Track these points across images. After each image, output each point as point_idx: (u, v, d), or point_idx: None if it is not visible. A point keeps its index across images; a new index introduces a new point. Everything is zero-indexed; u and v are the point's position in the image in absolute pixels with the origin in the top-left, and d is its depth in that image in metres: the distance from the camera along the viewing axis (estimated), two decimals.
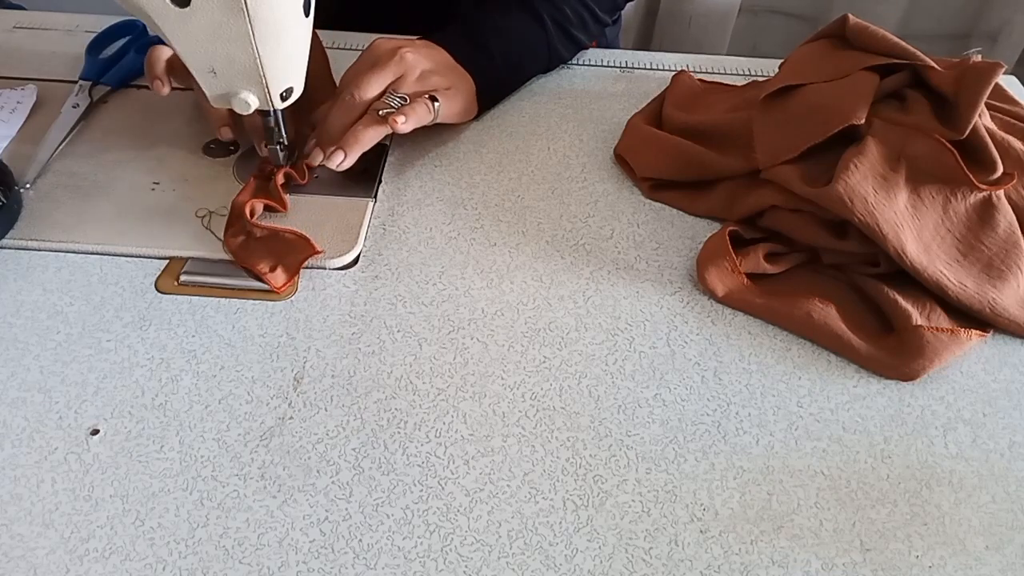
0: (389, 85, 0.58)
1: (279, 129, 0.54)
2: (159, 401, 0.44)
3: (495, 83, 0.65)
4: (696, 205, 0.57)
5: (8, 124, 0.61)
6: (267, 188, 0.55)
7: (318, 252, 0.50)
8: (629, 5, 0.78)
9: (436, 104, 0.58)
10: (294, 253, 0.51)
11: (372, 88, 0.57)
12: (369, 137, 0.56)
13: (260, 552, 0.38)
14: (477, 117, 0.65)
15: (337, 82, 0.61)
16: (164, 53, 0.58)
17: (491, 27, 0.65)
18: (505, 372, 0.46)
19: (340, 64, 0.62)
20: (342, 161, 0.55)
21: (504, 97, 0.67)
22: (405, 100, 0.57)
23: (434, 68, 0.60)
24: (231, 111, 0.56)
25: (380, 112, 0.56)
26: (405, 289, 0.51)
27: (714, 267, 0.50)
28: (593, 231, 0.56)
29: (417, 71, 0.59)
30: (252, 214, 0.52)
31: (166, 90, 0.57)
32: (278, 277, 0.50)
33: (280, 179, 0.54)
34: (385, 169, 0.60)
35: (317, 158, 0.56)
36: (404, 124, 0.55)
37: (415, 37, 0.63)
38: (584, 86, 0.70)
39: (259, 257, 0.50)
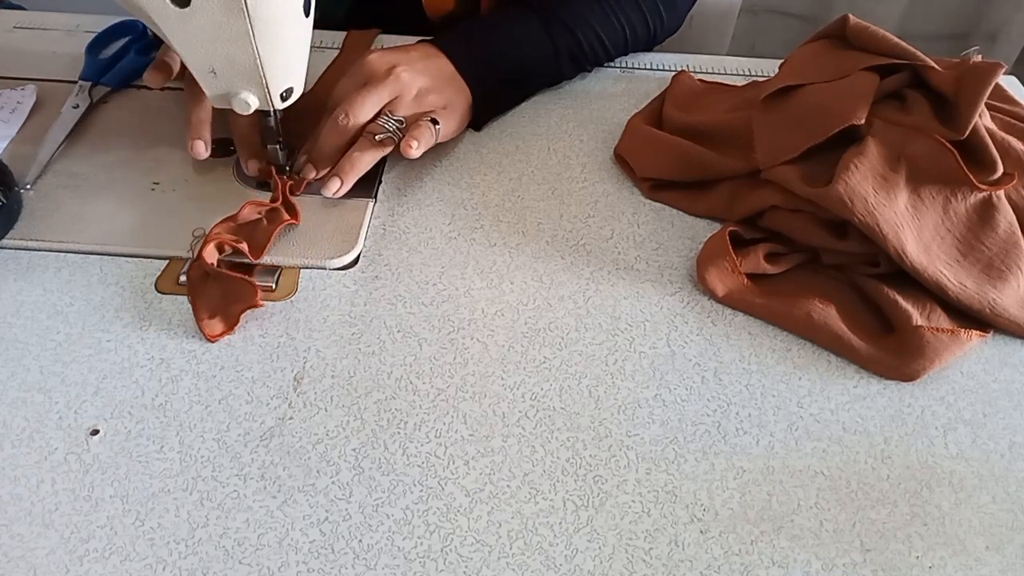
0: (384, 106, 0.56)
1: (279, 129, 0.54)
2: (159, 401, 0.44)
3: (491, 99, 0.63)
4: (696, 205, 0.57)
5: (8, 124, 0.61)
6: (255, 227, 0.52)
7: (258, 305, 0.47)
8: None
9: (438, 127, 0.56)
10: (239, 301, 0.48)
11: (367, 110, 0.55)
12: (365, 163, 0.55)
13: (260, 552, 0.38)
14: (477, 129, 0.64)
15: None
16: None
17: (503, 40, 0.63)
18: (505, 372, 0.46)
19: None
20: (338, 189, 0.54)
21: (499, 115, 0.65)
22: (401, 123, 0.56)
23: (430, 85, 0.58)
24: (218, 115, 0.56)
25: (377, 137, 0.55)
26: (405, 289, 0.51)
27: (714, 267, 0.50)
28: (593, 231, 0.56)
29: (413, 91, 0.57)
30: (220, 250, 0.50)
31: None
32: (214, 326, 0.47)
33: (277, 228, 0.52)
34: (385, 169, 0.60)
35: (310, 173, 0.56)
36: (416, 150, 0.54)
37: (418, 39, 0.63)
38: (584, 86, 0.70)
39: (206, 299, 0.48)
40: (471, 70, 0.61)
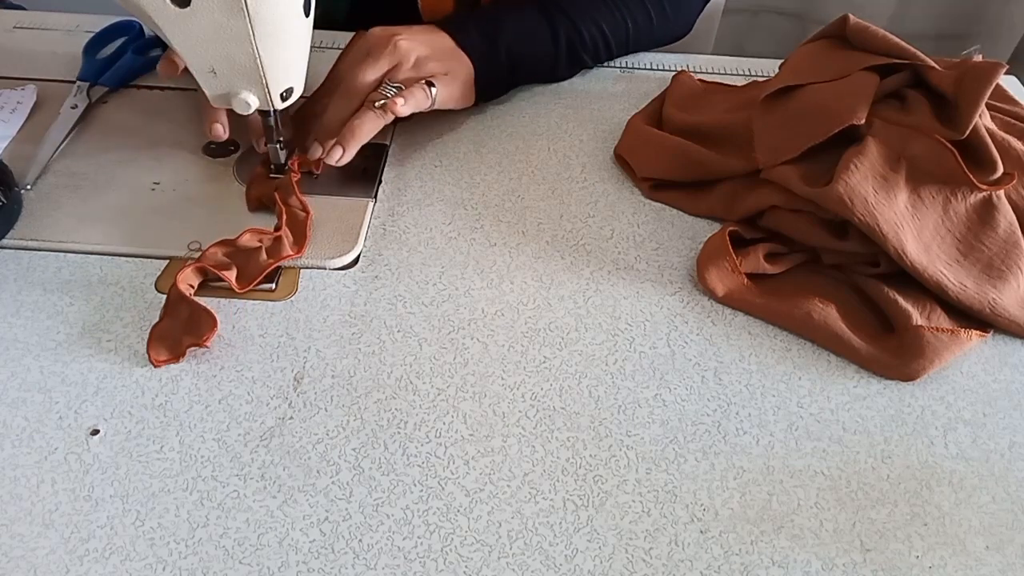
0: (384, 75, 0.58)
1: (279, 128, 0.54)
2: (159, 401, 0.44)
3: (494, 73, 0.64)
4: (696, 205, 0.57)
5: (8, 124, 0.61)
6: (251, 256, 0.50)
7: (203, 345, 0.46)
8: None
9: (433, 89, 0.57)
10: (191, 335, 0.46)
11: (367, 78, 0.57)
12: (366, 130, 0.55)
13: (260, 552, 0.38)
14: (475, 106, 0.64)
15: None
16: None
17: (504, 23, 0.64)
18: (505, 372, 0.46)
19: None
20: (340, 156, 0.55)
21: (500, 94, 0.67)
22: (400, 89, 0.57)
23: (430, 54, 0.59)
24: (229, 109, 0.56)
25: (376, 104, 0.56)
26: (405, 289, 0.51)
27: (714, 267, 0.50)
28: (593, 231, 0.56)
29: (412, 59, 0.58)
30: (204, 274, 0.49)
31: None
32: (160, 352, 0.46)
33: (274, 263, 0.50)
34: (385, 169, 0.60)
35: (316, 152, 0.56)
36: (403, 107, 0.55)
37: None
38: (584, 86, 0.70)
39: (171, 321, 0.47)
40: (472, 46, 0.62)
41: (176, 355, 0.46)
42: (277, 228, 0.52)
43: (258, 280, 0.50)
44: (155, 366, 0.46)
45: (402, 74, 0.58)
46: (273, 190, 0.54)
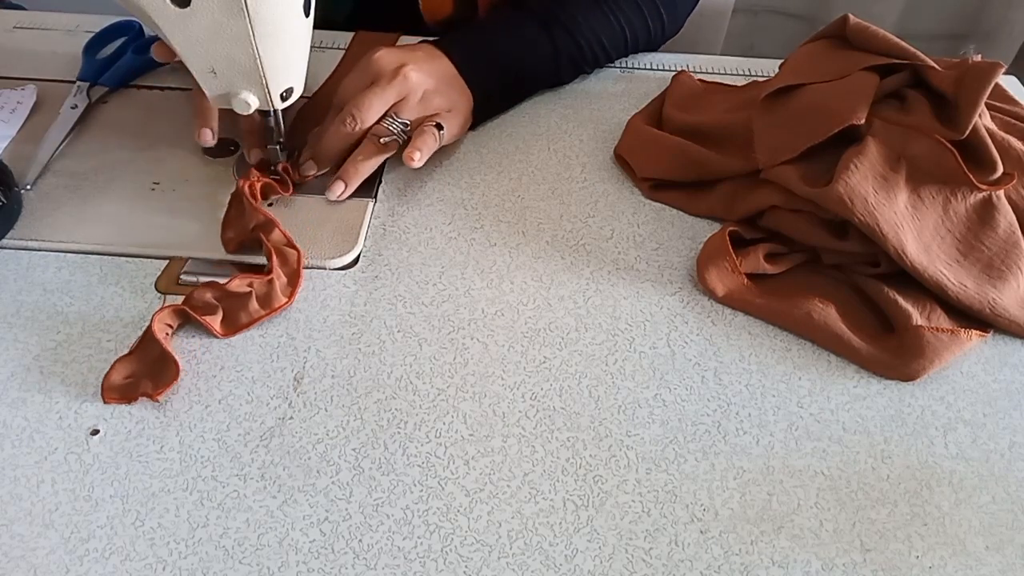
0: (391, 108, 0.56)
1: (279, 129, 0.54)
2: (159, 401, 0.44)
3: (492, 104, 0.64)
4: (696, 205, 0.57)
5: (8, 124, 0.61)
6: (241, 303, 0.48)
7: (153, 398, 0.44)
8: None
9: (442, 132, 0.57)
10: (150, 380, 0.44)
11: (374, 111, 0.55)
12: (369, 167, 0.55)
13: (260, 552, 0.38)
14: (471, 128, 0.64)
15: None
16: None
17: (505, 42, 0.63)
18: (505, 372, 0.46)
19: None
20: (343, 192, 0.55)
21: (496, 115, 0.65)
22: (407, 125, 0.56)
23: (436, 87, 0.58)
24: (221, 113, 0.56)
25: (381, 139, 0.55)
26: (405, 289, 0.51)
27: (714, 267, 0.50)
28: (593, 231, 0.56)
29: (419, 93, 0.57)
30: (185, 315, 0.47)
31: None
32: (112, 392, 0.44)
33: (265, 315, 0.48)
34: (385, 169, 0.60)
35: (310, 170, 0.56)
36: (418, 161, 0.54)
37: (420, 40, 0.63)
38: (584, 86, 0.70)
39: (137, 359, 0.45)
40: (473, 73, 0.61)
41: (128, 398, 0.44)
42: (268, 271, 0.49)
43: (245, 329, 0.48)
44: (104, 401, 0.44)
45: (408, 109, 0.56)
46: (250, 230, 0.51)
